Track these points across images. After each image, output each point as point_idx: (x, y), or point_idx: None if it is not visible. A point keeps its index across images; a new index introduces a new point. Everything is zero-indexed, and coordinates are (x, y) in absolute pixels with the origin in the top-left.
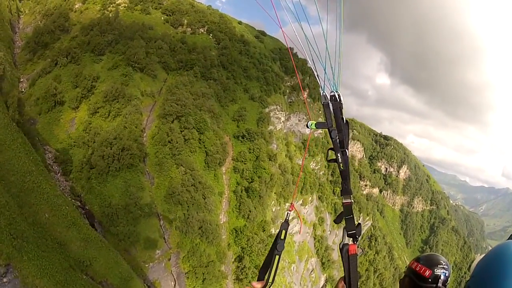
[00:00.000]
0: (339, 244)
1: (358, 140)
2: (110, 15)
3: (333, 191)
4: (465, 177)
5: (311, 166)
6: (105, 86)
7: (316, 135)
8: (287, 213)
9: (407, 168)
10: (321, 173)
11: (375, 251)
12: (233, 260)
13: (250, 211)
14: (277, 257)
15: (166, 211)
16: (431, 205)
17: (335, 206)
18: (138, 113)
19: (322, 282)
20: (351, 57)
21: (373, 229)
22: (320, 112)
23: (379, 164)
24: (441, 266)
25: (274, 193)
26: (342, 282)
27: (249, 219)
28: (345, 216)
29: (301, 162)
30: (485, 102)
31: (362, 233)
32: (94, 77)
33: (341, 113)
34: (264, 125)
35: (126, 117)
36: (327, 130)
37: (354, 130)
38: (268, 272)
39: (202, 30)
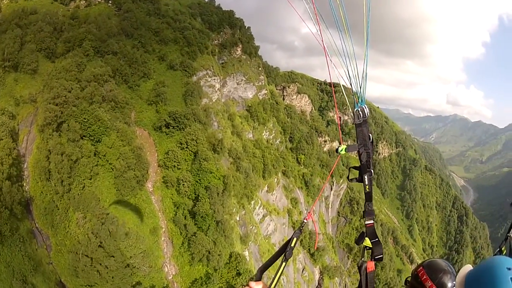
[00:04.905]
0: (357, 262)
1: (304, 93)
2: None
3: (297, 159)
4: (408, 110)
5: (265, 136)
6: None
7: (261, 97)
8: (303, 221)
9: None
10: (277, 142)
11: (360, 216)
12: None
13: (209, 252)
14: (283, 264)
15: None
16: (397, 147)
17: (304, 178)
18: (4, 135)
19: (317, 276)
20: (273, 13)
21: (350, 191)
22: (260, 69)
23: (331, 114)
24: (443, 273)
25: (233, 196)
26: None
27: (210, 262)
28: (370, 240)
29: (251, 136)
30: (422, 35)
31: (340, 199)
32: None
33: (368, 131)
34: (195, 100)
35: None
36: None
37: (296, 83)
38: (272, 279)
39: (99, 0)
